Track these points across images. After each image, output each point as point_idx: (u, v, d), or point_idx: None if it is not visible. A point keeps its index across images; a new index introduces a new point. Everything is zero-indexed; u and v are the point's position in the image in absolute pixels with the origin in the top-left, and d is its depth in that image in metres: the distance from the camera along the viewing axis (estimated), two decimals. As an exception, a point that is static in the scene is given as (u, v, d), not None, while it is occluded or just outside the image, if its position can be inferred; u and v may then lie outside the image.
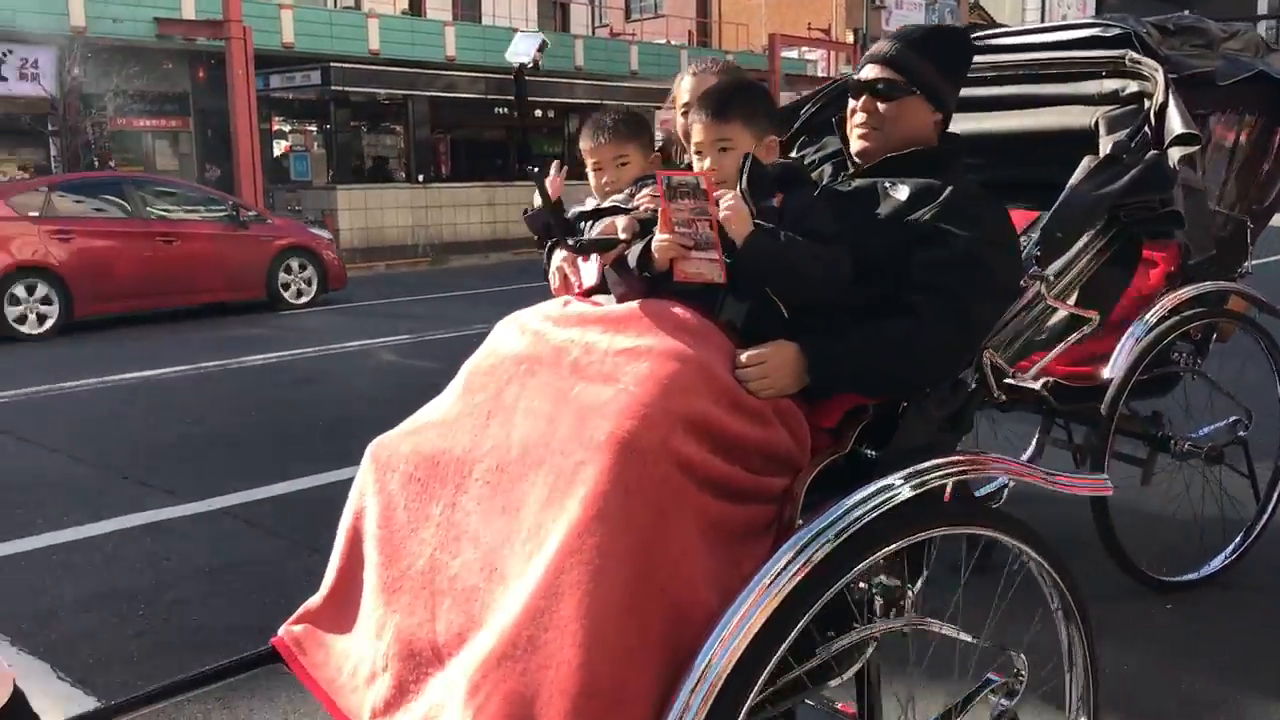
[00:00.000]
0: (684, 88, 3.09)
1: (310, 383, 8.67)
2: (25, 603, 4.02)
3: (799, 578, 1.81)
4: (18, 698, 2.43)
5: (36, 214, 11.82)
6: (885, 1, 32.49)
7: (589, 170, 2.68)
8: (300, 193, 21.81)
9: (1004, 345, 2.32)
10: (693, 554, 1.83)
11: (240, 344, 10.48)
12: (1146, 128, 2.50)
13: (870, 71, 2.41)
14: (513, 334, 2.19)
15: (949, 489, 2.13)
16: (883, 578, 2.11)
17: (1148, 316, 3.74)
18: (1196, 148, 2.40)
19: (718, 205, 2.07)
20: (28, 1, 18.75)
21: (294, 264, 13.57)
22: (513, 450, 1.95)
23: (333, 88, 21.79)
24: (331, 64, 21.70)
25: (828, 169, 2.57)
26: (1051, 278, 2.33)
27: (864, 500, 1.92)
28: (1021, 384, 2.35)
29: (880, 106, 2.38)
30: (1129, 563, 3.80)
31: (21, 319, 11.50)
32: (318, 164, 22.56)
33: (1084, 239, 2.39)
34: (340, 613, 2.12)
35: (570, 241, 2.38)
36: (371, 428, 2.21)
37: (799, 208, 2.19)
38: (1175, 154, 2.38)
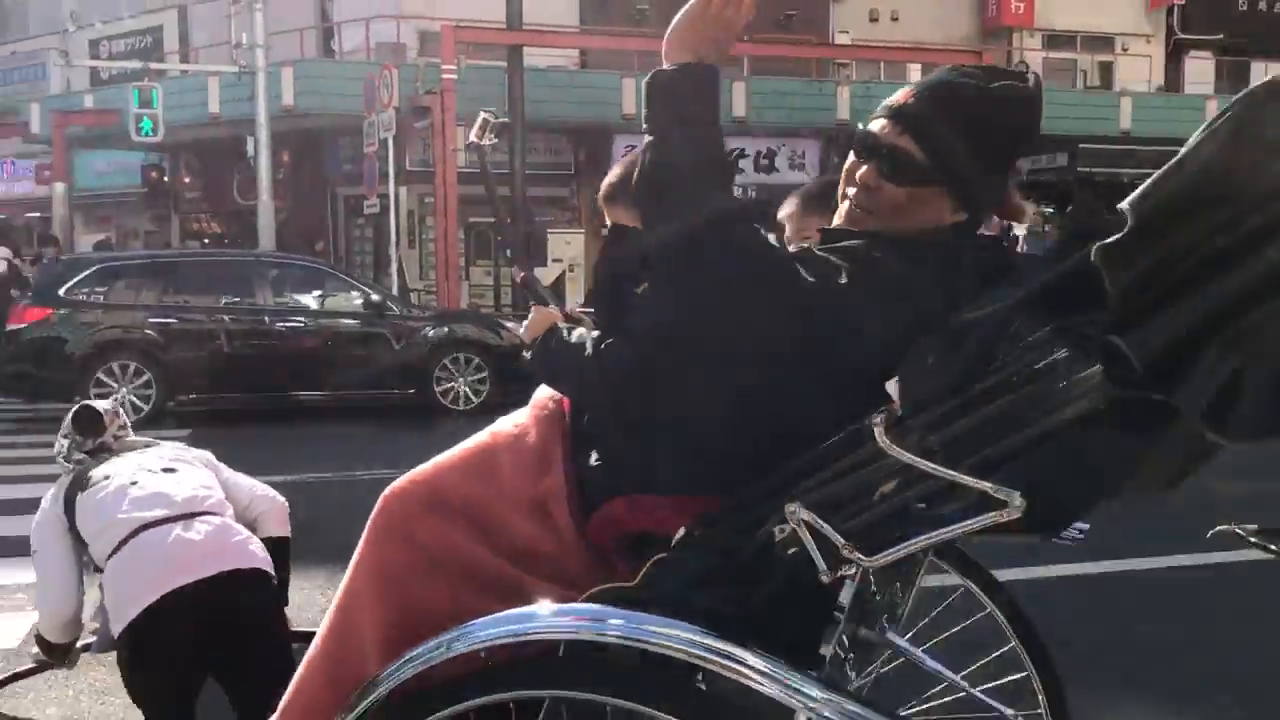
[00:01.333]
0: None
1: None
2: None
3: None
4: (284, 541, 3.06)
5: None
6: None
7: None
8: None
9: (834, 507, 1.55)
10: (389, 642, 1.77)
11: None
12: None
13: (883, 128, 1.74)
14: None
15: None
16: None
17: None
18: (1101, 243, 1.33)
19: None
20: (804, 100, 20.99)
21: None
22: None
23: (1079, 169, 21.45)
24: (1081, 144, 21.38)
25: None
26: (886, 421, 1.49)
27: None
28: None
29: (882, 185, 1.73)
30: None
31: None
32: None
33: (1013, 373, 1.45)
34: None
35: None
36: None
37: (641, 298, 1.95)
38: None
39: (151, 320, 10.63)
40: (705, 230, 1.58)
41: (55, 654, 3.07)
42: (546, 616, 1.63)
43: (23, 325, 10.50)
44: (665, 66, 1.63)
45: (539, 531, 1.82)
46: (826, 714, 1.50)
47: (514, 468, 1.88)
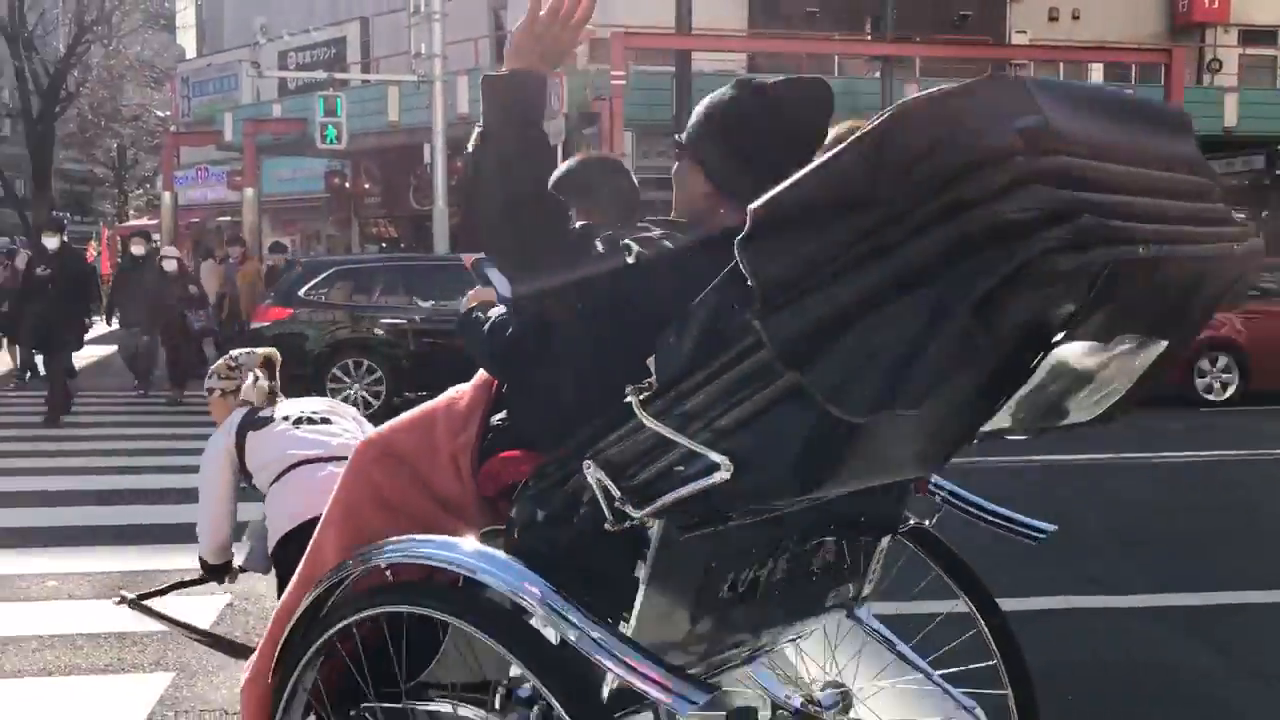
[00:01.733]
0: None
1: (1229, 488, 8.01)
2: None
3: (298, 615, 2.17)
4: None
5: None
6: None
7: None
8: None
9: (619, 465, 1.76)
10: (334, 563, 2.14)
11: (1160, 438, 9.96)
12: None
13: None
14: None
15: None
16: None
17: None
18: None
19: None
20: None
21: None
22: None
23: (1276, 172, 20.23)
24: (1278, 146, 20.18)
25: None
26: (639, 392, 1.66)
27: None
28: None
29: (674, 170, 2.13)
30: None
31: (1209, 388, 12.48)
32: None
33: (732, 354, 1.58)
34: None
35: None
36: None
37: None
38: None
39: (382, 320, 11.22)
40: (517, 211, 1.88)
41: (213, 573, 3.55)
42: (395, 544, 2.00)
43: (265, 324, 11.21)
44: (499, 71, 1.93)
45: (455, 483, 2.14)
46: (584, 647, 1.70)
47: (444, 427, 2.19)
